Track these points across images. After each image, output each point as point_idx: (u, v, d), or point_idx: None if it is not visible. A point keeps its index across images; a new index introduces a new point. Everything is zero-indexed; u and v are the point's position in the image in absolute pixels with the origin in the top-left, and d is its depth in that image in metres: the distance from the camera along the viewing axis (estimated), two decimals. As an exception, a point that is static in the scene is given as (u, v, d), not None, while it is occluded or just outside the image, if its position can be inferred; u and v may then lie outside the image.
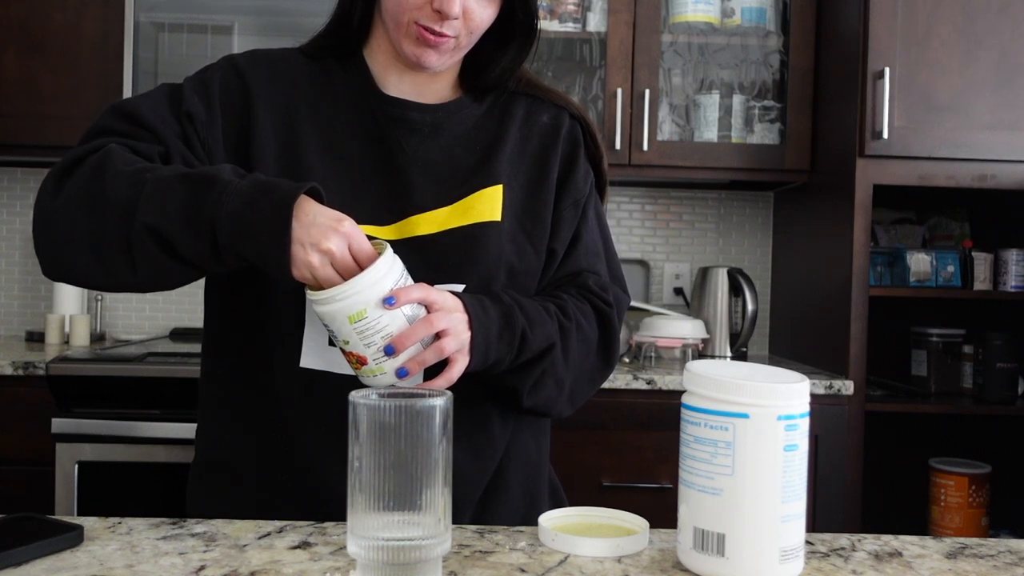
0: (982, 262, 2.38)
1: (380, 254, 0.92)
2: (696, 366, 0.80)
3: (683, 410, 0.79)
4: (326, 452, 1.01)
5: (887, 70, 2.15)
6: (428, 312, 0.93)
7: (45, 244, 0.97)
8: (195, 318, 2.77)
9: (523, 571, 0.79)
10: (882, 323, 2.51)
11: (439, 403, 0.74)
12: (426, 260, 1.03)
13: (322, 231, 0.89)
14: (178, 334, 2.68)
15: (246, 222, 0.89)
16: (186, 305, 2.77)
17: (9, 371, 2.08)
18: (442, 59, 1.05)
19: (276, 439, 1.05)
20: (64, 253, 0.96)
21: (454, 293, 0.98)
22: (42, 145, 2.39)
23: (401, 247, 1.03)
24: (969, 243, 2.46)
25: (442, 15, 1.00)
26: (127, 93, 2.28)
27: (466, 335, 0.95)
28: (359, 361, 0.92)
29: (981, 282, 2.38)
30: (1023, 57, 2.20)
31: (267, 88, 1.07)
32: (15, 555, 0.77)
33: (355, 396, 0.74)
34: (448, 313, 0.94)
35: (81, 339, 2.48)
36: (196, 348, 2.35)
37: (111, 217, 0.92)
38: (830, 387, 2.15)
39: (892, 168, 2.21)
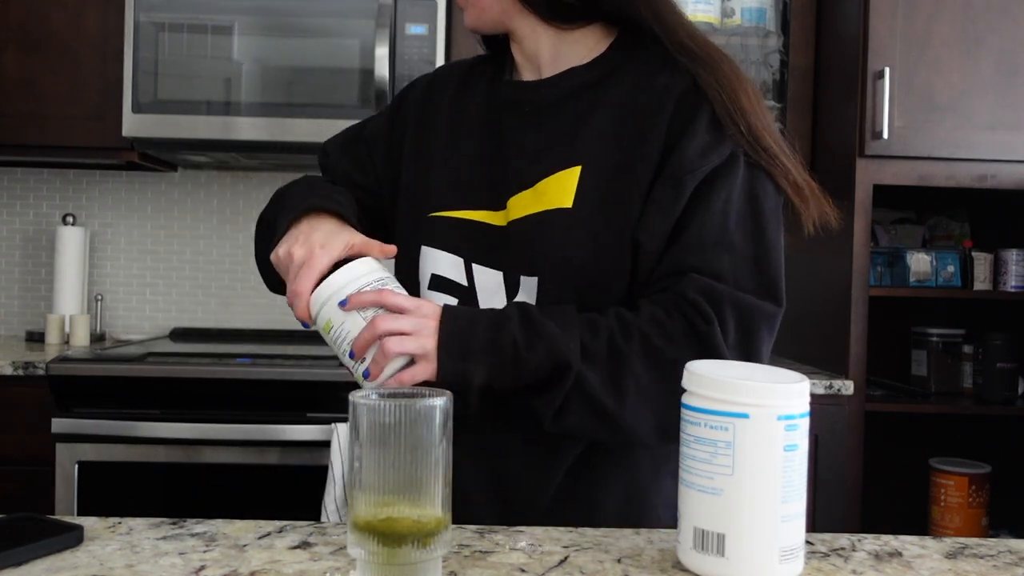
0: (982, 262, 2.38)
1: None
2: (696, 366, 0.80)
3: (683, 410, 0.79)
4: None
5: (887, 70, 2.15)
6: None
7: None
8: (195, 318, 2.77)
9: (523, 571, 0.79)
10: (882, 323, 2.51)
11: (439, 403, 0.74)
12: (506, 250, 1.02)
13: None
14: (178, 334, 2.68)
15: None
16: (186, 305, 2.77)
17: (9, 371, 2.08)
18: (474, 17, 1.07)
19: None
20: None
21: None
22: (42, 145, 2.39)
23: (502, 234, 1.03)
24: (969, 243, 2.46)
25: None
26: (127, 93, 2.27)
27: (428, 340, 0.91)
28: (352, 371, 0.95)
29: (981, 282, 2.37)
30: (1023, 57, 2.20)
31: (423, 94, 1.16)
32: (15, 555, 0.77)
33: (355, 396, 0.74)
34: (396, 319, 0.91)
35: (81, 339, 2.48)
36: (196, 348, 2.35)
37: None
38: (830, 387, 2.15)
39: (892, 168, 2.21)
